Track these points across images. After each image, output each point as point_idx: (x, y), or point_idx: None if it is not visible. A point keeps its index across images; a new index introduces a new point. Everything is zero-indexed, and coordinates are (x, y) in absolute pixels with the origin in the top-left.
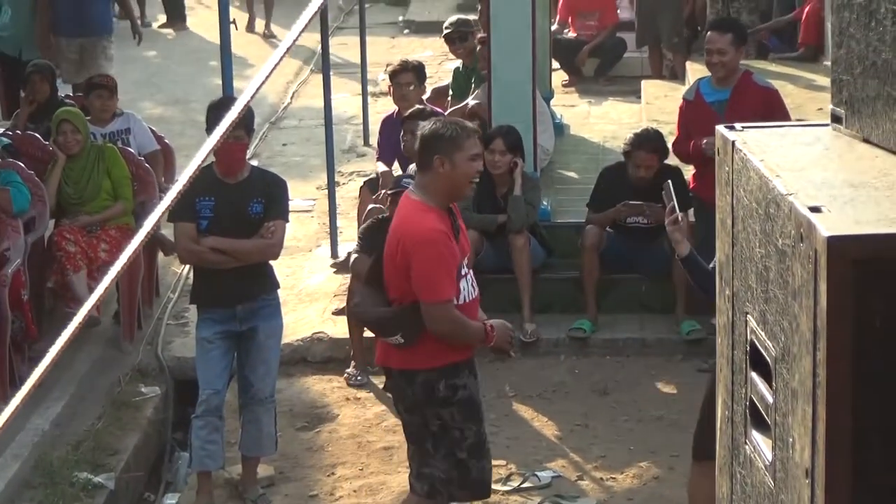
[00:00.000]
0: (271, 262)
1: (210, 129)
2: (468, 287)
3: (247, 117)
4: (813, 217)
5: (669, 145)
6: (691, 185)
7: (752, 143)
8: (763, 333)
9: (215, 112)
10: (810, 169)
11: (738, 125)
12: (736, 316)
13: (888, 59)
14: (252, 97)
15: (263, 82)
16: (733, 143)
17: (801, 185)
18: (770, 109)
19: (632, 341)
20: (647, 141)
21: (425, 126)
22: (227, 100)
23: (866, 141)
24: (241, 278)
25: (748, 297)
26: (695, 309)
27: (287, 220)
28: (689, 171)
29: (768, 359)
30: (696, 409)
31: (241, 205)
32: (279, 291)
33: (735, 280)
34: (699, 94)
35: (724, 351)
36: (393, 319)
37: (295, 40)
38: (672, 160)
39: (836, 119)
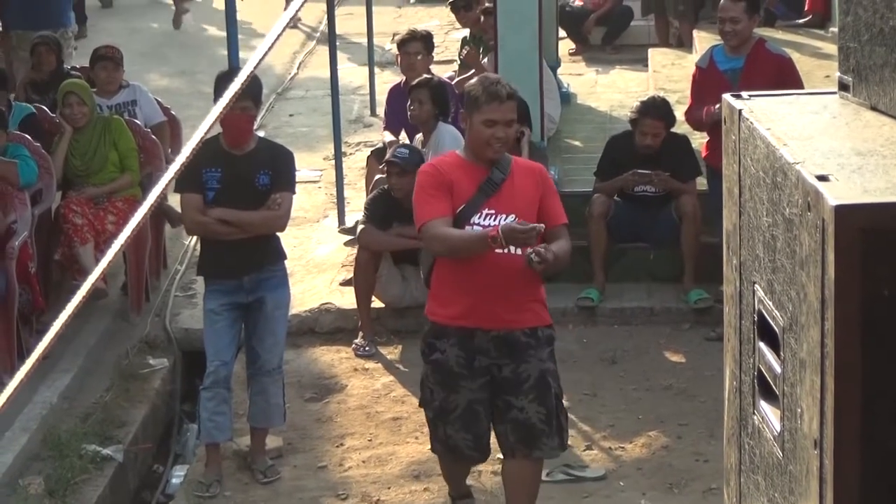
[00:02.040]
0: (278, 234)
1: (218, 100)
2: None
3: (254, 88)
4: (820, 186)
5: (677, 113)
6: (704, 154)
7: (759, 111)
8: (771, 303)
9: (223, 83)
10: (817, 137)
11: (744, 93)
12: (743, 286)
13: (895, 26)
14: (255, 68)
15: (266, 53)
16: (740, 111)
17: (808, 153)
18: (784, 77)
19: (640, 310)
20: (654, 108)
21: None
22: (235, 70)
23: (874, 109)
24: (248, 249)
25: (755, 266)
26: (702, 277)
27: (294, 192)
28: (696, 139)
29: (776, 329)
30: (704, 379)
31: (248, 176)
32: (286, 262)
33: (742, 249)
34: (713, 61)
35: (732, 321)
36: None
37: (298, 10)
38: (679, 128)
39: (843, 87)
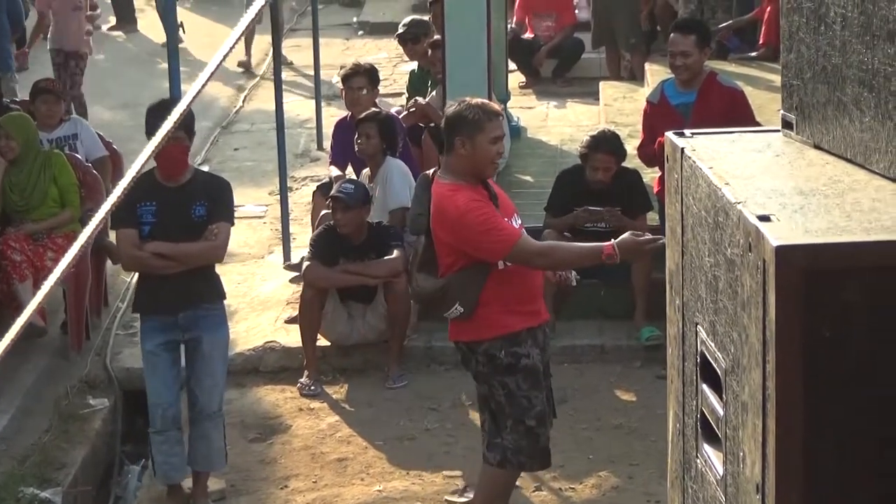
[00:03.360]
0: (219, 272)
1: (150, 132)
2: None
3: (187, 118)
4: (762, 226)
5: (628, 147)
6: (656, 189)
7: (702, 149)
8: (713, 344)
9: (154, 115)
10: (760, 176)
11: (687, 131)
12: (686, 326)
13: (838, 64)
14: (192, 100)
15: (203, 85)
16: (682, 149)
17: (750, 192)
18: (736, 111)
19: (590, 348)
20: (605, 142)
21: (449, 108)
22: (166, 102)
23: (817, 147)
24: (184, 285)
25: (698, 307)
26: (654, 314)
27: (232, 223)
28: (648, 174)
29: (718, 371)
30: (655, 417)
31: (183, 208)
32: (228, 302)
33: (685, 290)
34: (664, 96)
35: (675, 362)
36: (446, 288)
37: (236, 41)
38: (630, 162)
39: (786, 125)
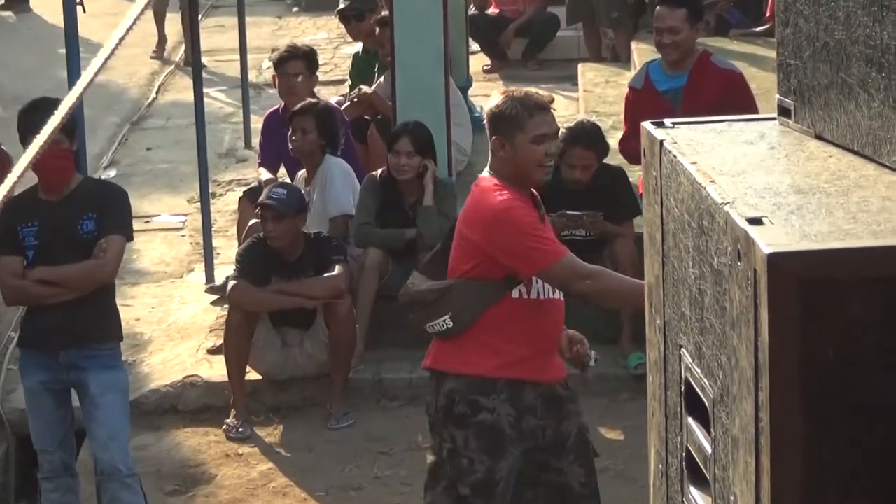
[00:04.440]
0: (131, 294)
1: (25, 139)
2: (540, 282)
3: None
4: (752, 230)
5: (612, 141)
6: (641, 190)
7: (684, 142)
8: (699, 370)
9: (28, 118)
10: (751, 172)
11: (667, 121)
12: (668, 350)
13: (841, 40)
14: (81, 94)
15: (95, 75)
16: (661, 142)
17: (739, 191)
18: (734, 97)
19: (573, 377)
20: (583, 136)
21: (490, 101)
22: (41, 102)
23: (819, 137)
24: (68, 318)
25: (681, 327)
26: (644, 337)
27: (127, 235)
28: (634, 172)
29: (706, 401)
30: (645, 458)
31: (68, 224)
32: (141, 330)
33: (666, 307)
34: (649, 80)
35: (656, 392)
36: (444, 291)
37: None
38: (613, 158)
39: (783, 111)
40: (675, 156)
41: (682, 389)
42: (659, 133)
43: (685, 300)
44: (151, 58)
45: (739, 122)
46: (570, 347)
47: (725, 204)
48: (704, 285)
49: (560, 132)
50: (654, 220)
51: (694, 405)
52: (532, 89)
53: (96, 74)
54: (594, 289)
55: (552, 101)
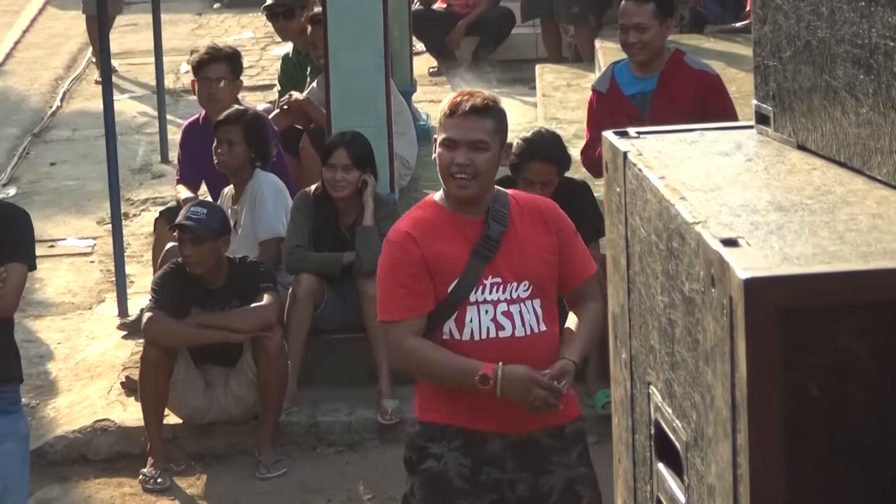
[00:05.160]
0: (16, 345)
1: None
2: (480, 318)
3: None
4: (727, 253)
5: (574, 152)
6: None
7: (651, 154)
8: (670, 411)
9: None
10: (726, 188)
11: (631, 130)
12: (635, 388)
13: (825, 39)
14: None
15: None
16: (625, 154)
17: (713, 209)
18: (709, 101)
19: (570, 422)
20: (542, 148)
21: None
22: None
23: (801, 147)
24: None
25: (650, 362)
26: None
27: (28, 263)
28: (599, 187)
29: (678, 445)
30: None
31: None
32: (46, 368)
33: (633, 339)
34: (615, 83)
35: (623, 435)
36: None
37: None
38: (576, 171)
39: (761, 119)
40: (640, 169)
41: (652, 432)
42: (622, 144)
43: (654, 332)
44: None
45: (713, 132)
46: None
47: (697, 223)
48: (675, 315)
49: (515, 144)
50: (618, 242)
51: (665, 449)
52: (482, 91)
53: None
54: (406, 363)
55: (491, 104)
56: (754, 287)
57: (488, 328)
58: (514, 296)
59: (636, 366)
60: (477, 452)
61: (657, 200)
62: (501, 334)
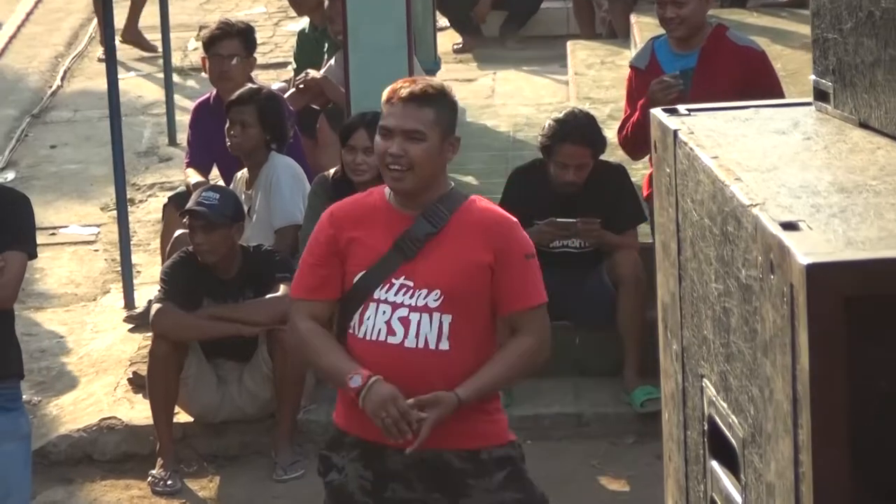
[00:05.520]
0: (17, 338)
1: None
2: (376, 318)
3: None
4: (787, 237)
5: (609, 133)
6: (645, 192)
7: (703, 132)
8: (725, 405)
9: None
10: (784, 168)
11: (682, 107)
12: (687, 381)
13: (890, 9)
14: None
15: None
16: (675, 133)
17: (770, 191)
18: (754, 79)
19: (563, 418)
20: (575, 129)
21: None
22: None
23: (863, 126)
24: None
25: (703, 353)
26: (651, 368)
27: (28, 252)
28: (638, 170)
29: (734, 441)
30: None
31: None
32: (48, 364)
33: (684, 330)
34: (655, 60)
35: (674, 432)
36: None
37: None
38: (612, 154)
39: (820, 95)
40: (692, 149)
41: (705, 428)
42: (672, 122)
43: (707, 321)
44: (100, 60)
45: (768, 109)
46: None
47: (754, 206)
48: (730, 303)
49: (547, 125)
50: (669, 227)
51: (719, 447)
52: (430, 78)
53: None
54: (298, 347)
55: (432, 91)
56: (817, 273)
57: (380, 330)
58: (421, 303)
59: (688, 357)
60: (376, 465)
61: (710, 182)
62: (390, 339)
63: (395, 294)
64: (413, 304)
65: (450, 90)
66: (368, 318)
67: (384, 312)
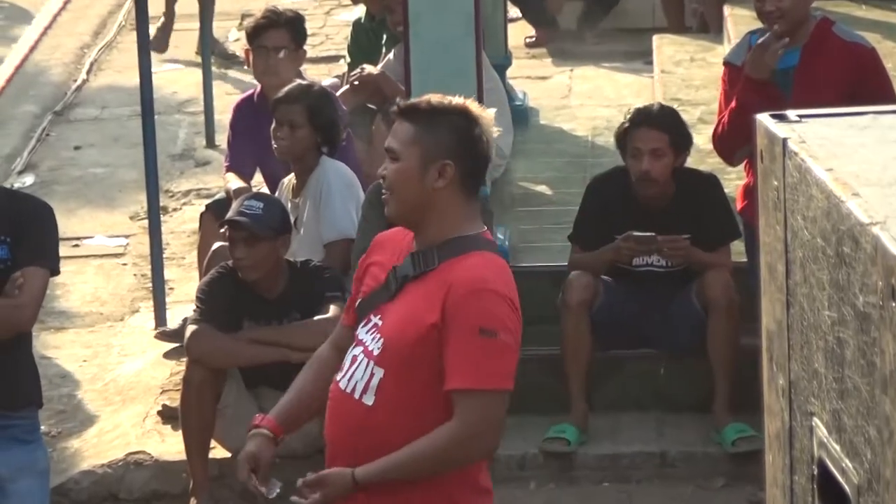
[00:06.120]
0: (35, 363)
1: None
2: (350, 351)
3: None
4: None
5: (699, 139)
6: (740, 205)
7: (816, 142)
8: (838, 447)
9: None
10: None
11: (791, 113)
12: (794, 420)
13: None
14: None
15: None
16: (784, 142)
17: (892, 208)
18: (863, 79)
19: (644, 457)
20: (653, 114)
21: None
22: None
23: None
24: None
25: (813, 389)
26: (745, 402)
27: (50, 267)
28: (731, 180)
29: (847, 488)
30: None
31: None
32: (69, 391)
33: (792, 362)
34: None
35: (778, 476)
36: None
37: None
38: (704, 161)
39: None
40: (803, 160)
41: (815, 472)
42: (781, 129)
43: (818, 353)
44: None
45: (889, 115)
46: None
47: (874, 224)
48: (845, 333)
49: (627, 112)
50: (775, 246)
51: (831, 494)
52: (439, 95)
53: (30, 52)
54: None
55: (424, 107)
56: None
57: (343, 365)
58: (371, 348)
59: (796, 393)
60: None
61: (824, 197)
62: (338, 376)
63: (366, 331)
64: (367, 347)
65: (460, 110)
66: (349, 351)
67: (353, 347)
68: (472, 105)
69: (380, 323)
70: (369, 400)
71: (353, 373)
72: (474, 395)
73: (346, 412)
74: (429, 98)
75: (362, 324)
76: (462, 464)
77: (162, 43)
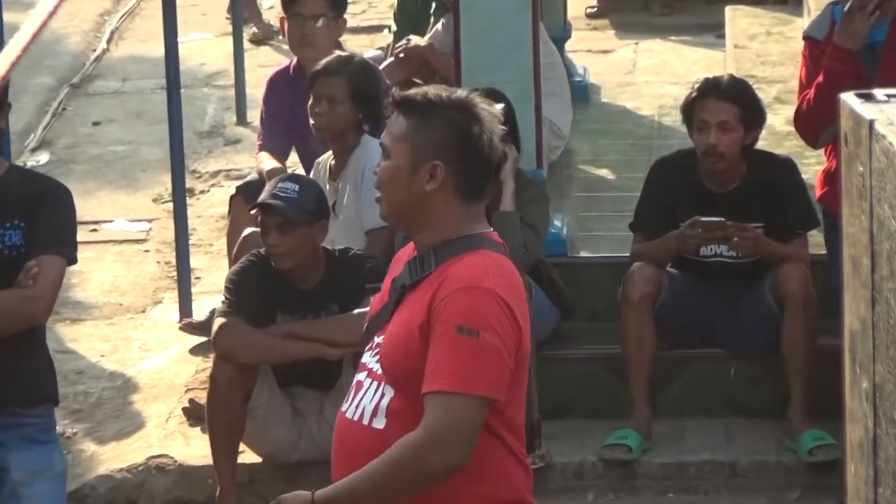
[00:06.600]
0: (51, 357)
1: None
2: (354, 400)
3: None
4: None
5: (775, 119)
6: (818, 193)
7: None
8: None
9: None
10: None
11: (879, 92)
12: (880, 427)
13: None
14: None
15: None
16: (871, 124)
17: None
18: None
19: (712, 466)
20: (722, 84)
21: None
22: None
23: None
24: None
25: None
26: (823, 407)
27: (66, 255)
28: (810, 164)
29: None
30: None
31: None
32: (87, 388)
33: (877, 364)
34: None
35: (861, 488)
36: None
37: None
38: (781, 144)
39: None
40: (892, 143)
41: None
42: (867, 110)
43: None
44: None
45: None
46: None
47: None
48: None
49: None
50: (860, 238)
51: None
52: (454, 88)
53: (49, 18)
54: None
55: (419, 99)
56: None
57: (356, 407)
58: (376, 367)
59: (881, 398)
60: None
61: None
62: (343, 406)
63: (370, 354)
64: (371, 368)
65: (459, 104)
66: (350, 398)
67: (359, 373)
68: (476, 99)
69: (382, 339)
70: (380, 423)
71: (361, 399)
72: (440, 398)
73: (355, 442)
74: (426, 90)
75: (367, 347)
76: (421, 481)
77: None
